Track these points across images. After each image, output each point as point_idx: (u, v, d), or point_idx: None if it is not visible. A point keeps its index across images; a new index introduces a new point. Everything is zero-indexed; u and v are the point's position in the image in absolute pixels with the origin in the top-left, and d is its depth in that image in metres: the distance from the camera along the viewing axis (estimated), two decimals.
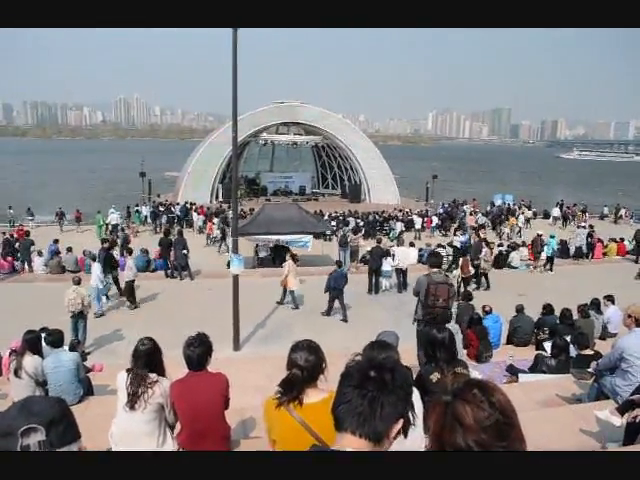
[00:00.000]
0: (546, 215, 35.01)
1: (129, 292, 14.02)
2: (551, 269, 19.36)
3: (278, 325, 12.38)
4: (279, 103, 39.00)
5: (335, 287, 13.09)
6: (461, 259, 15.26)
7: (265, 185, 42.13)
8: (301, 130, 41.89)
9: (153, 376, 3.97)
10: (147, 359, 3.98)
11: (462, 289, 14.35)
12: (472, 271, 15.23)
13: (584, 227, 24.31)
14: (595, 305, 10.90)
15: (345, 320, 12.90)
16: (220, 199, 36.68)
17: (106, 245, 14.88)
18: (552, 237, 20.05)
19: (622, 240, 22.24)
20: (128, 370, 3.99)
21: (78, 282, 11.20)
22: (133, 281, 14.08)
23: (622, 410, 5.05)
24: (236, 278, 11.11)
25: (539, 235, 20.01)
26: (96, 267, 13.31)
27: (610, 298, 11.05)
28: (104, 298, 13.72)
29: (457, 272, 15.01)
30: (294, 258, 14.27)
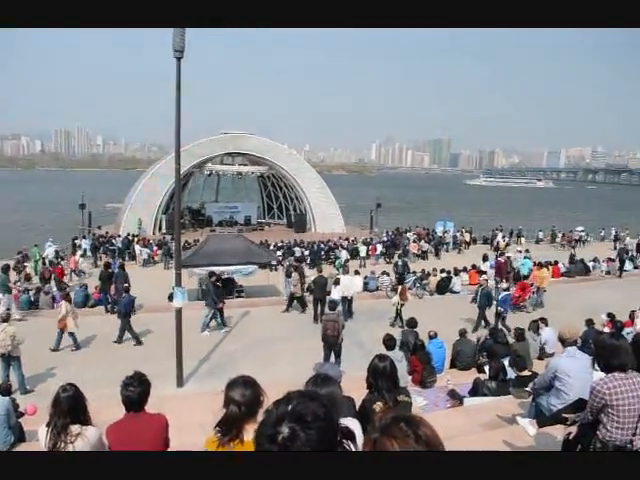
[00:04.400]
0: (485, 240, 36.30)
1: None
2: None
3: (222, 359, 12.13)
4: (224, 134, 38.87)
5: None
6: (400, 286, 15.45)
7: (210, 216, 41.69)
8: (246, 160, 41.93)
9: (75, 428, 3.67)
10: (69, 407, 3.70)
11: (402, 315, 14.46)
12: (409, 298, 15.49)
13: (520, 251, 25.48)
14: (535, 326, 11.57)
15: None
16: (163, 230, 36.03)
17: (213, 278, 15.04)
18: (526, 258, 20.78)
19: (556, 263, 23.29)
20: (48, 424, 3.71)
21: (6, 320, 10.19)
22: None
23: (541, 423, 5.40)
24: (179, 312, 10.86)
25: (508, 257, 20.76)
26: None
27: (544, 320, 11.76)
28: None
29: (396, 298, 15.04)
30: (67, 298, 13.33)
